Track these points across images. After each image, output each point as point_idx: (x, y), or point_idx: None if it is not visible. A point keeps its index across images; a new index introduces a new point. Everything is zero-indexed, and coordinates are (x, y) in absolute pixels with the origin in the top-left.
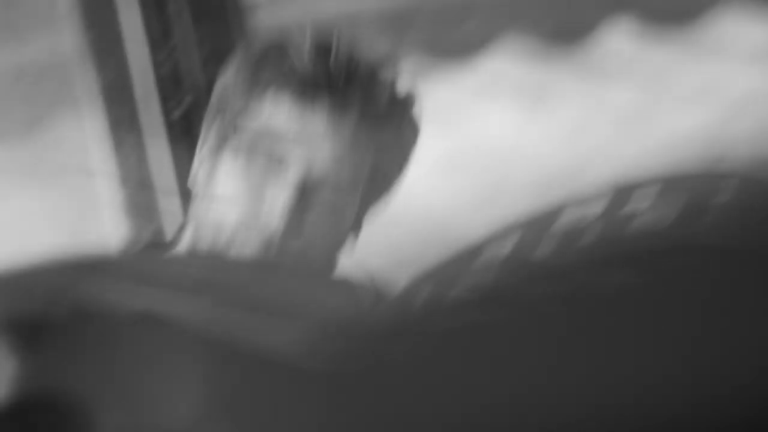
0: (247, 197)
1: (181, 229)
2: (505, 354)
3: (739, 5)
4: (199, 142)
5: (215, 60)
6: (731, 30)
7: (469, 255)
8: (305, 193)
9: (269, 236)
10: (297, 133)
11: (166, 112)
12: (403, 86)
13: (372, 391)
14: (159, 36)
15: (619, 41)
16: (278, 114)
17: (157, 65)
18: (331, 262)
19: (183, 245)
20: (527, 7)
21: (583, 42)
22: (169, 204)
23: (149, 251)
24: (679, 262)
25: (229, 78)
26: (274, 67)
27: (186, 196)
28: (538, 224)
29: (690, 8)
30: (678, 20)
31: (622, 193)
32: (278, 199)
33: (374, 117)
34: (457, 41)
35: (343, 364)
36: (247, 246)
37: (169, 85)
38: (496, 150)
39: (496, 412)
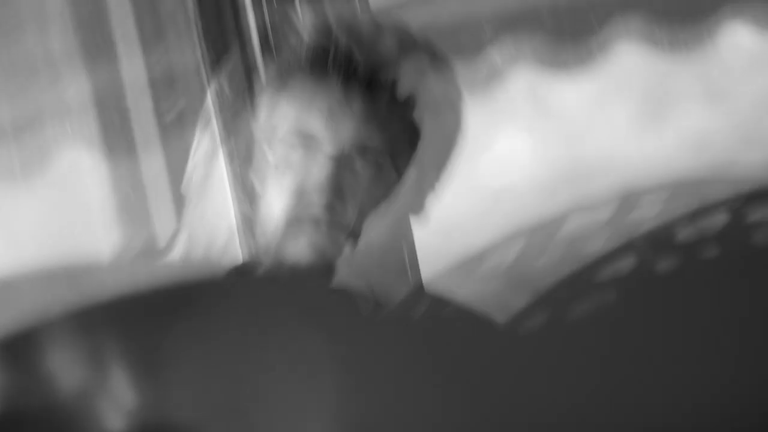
0: (290, 189)
1: (175, 235)
2: (501, 366)
3: None
4: (193, 147)
5: (211, 62)
6: None
7: (472, 264)
8: (341, 166)
9: (317, 218)
10: (319, 109)
11: (159, 115)
12: (403, 52)
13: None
14: (152, 37)
15: (737, 46)
16: (297, 99)
17: (149, 67)
18: (330, 269)
19: (176, 252)
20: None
21: (701, 48)
22: (162, 209)
23: (142, 258)
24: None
25: (226, 80)
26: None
27: (179, 201)
28: (541, 232)
29: None
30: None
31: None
32: (318, 177)
33: (381, 85)
34: (574, 48)
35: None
36: (300, 240)
37: (163, 88)
38: (618, 158)
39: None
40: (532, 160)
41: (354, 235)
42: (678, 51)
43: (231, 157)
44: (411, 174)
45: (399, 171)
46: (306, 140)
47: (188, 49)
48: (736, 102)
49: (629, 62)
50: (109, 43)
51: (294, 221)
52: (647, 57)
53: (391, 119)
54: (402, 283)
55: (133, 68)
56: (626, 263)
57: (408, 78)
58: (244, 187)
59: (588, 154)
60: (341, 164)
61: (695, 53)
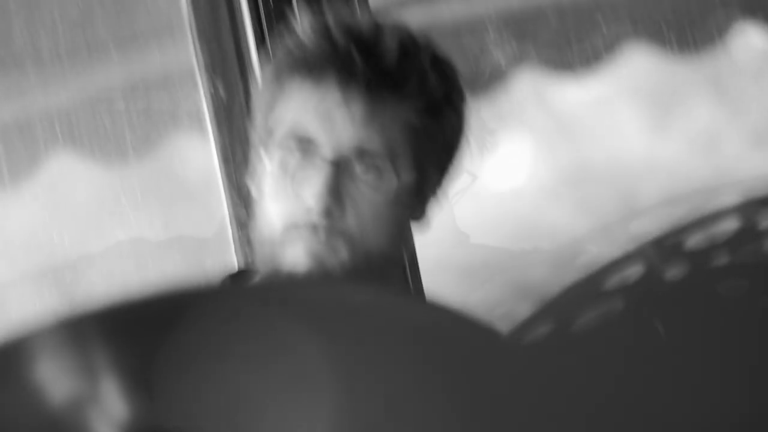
0: (287, 194)
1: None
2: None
3: None
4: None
5: (206, 64)
6: None
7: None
8: (340, 170)
9: (315, 224)
10: (317, 112)
11: (152, 117)
12: (413, 42)
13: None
14: (145, 38)
15: (748, 47)
16: (295, 100)
17: (143, 68)
18: (328, 276)
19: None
20: (652, 14)
21: (710, 49)
22: (155, 213)
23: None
24: None
25: (222, 82)
26: (283, 49)
27: (172, 205)
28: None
29: None
30: None
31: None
32: (316, 181)
33: (387, 77)
34: (579, 49)
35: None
36: (300, 245)
37: (156, 90)
38: (625, 161)
39: None
40: (536, 163)
41: (353, 241)
42: (687, 52)
43: (226, 161)
44: (412, 178)
45: (399, 175)
46: (303, 144)
47: (183, 51)
48: (747, 104)
49: (636, 63)
50: (101, 44)
51: (291, 227)
52: (655, 58)
53: (392, 122)
54: (402, 290)
55: (125, 70)
56: (634, 271)
57: (408, 80)
58: (240, 192)
59: (594, 157)
60: (340, 168)
61: (705, 54)
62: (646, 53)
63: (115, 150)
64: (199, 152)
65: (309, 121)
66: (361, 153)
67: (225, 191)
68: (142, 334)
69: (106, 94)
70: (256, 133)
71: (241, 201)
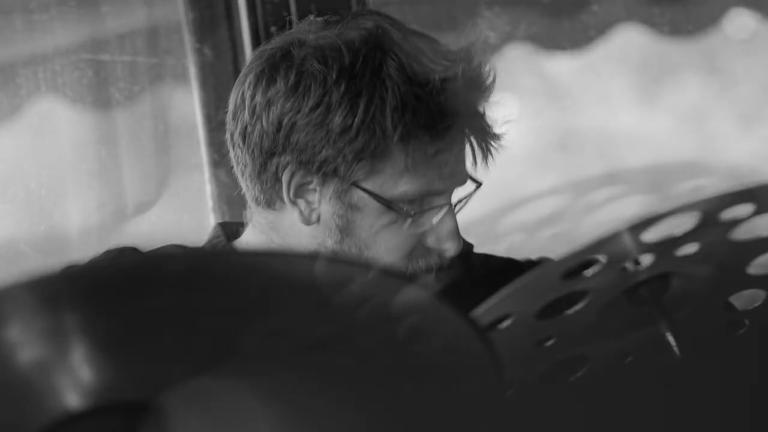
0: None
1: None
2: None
3: None
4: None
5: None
6: None
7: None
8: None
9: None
10: (313, 114)
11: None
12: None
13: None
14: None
15: (739, 30)
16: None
17: (132, 18)
18: None
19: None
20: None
21: (702, 31)
22: (136, 167)
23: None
24: None
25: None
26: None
27: (154, 158)
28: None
29: None
30: None
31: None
32: (314, 183)
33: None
34: (572, 31)
35: None
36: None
37: (144, 42)
38: (612, 136)
39: None
40: (523, 129)
41: (358, 247)
42: (679, 32)
43: (208, 118)
44: (412, 185)
45: (398, 183)
46: (299, 145)
47: (171, 6)
48: (736, 84)
49: (629, 42)
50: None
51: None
52: (647, 37)
53: (393, 125)
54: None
55: (115, 19)
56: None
57: (404, 80)
58: (238, 193)
59: (581, 126)
60: (336, 169)
61: (696, 35)
62: (639, 33)
63: (100, 101)
64: (181, 105)
65: (304, 123)
66: (359, 153)
67: (204, 142)
68: (113, 300)
69: (93, 44)
70: (252, 134)
71: (220, 158)
